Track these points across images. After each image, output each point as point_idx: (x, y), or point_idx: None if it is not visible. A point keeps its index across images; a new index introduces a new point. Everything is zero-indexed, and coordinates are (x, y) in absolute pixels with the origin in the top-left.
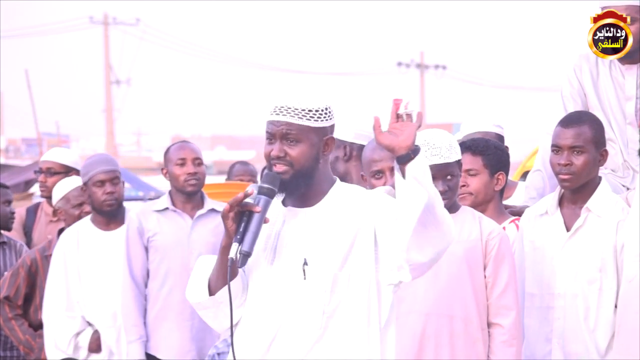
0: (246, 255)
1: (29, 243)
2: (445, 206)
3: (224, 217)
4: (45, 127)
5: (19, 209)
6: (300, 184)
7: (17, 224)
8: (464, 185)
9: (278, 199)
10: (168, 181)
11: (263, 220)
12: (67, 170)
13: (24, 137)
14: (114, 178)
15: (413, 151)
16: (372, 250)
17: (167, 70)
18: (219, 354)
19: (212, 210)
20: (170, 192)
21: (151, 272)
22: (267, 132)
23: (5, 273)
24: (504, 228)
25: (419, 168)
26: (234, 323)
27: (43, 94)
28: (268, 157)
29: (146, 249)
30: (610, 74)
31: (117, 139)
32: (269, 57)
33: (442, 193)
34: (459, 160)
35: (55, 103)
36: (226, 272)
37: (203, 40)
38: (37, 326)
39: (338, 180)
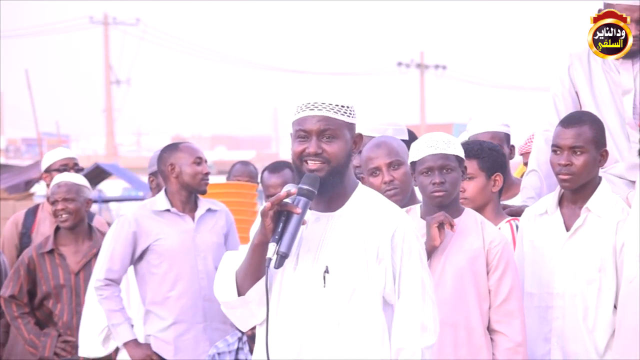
0: (283, 257)
1: (28, 244)
2: (443, 201)
3: (264, 214)
4: (45, 127)
5: (18, 212)
6: (335, 183)
7: (12, 226)
8: (461, 191)
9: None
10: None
11: (301, 222)
12: None
13: (24, 137)
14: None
15: None
16: (385, 266)
17: (167, 70)
18: (219, 353)
19: (208, 209)
20: (166, 192)
21: (158, 277)
22: (299, 130)
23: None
24: (499, 229)
25: None
26: (259, 322)
27: (43, 94)
28: (300, 155)
29: (143, 252)
30: (602, 69)
31: (117, 139)
32: (269, 57)
33: (437, 185)
34: (460, 159)
35: (55, 103)
36: (255, 270)
37: (203, 40)
38: (45, 320)
39: (360, 183)
